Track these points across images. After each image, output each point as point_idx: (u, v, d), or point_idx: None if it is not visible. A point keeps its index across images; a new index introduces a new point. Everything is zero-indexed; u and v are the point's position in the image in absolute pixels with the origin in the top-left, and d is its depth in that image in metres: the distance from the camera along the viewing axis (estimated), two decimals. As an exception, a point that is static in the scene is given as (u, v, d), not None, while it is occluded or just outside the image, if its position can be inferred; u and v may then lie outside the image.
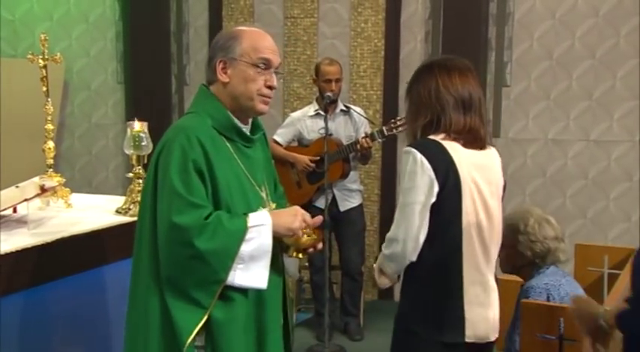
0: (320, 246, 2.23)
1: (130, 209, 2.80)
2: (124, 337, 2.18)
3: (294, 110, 4.87)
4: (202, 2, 5.67)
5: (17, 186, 2.51)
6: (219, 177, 2.06)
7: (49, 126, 2.96)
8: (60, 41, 5.80)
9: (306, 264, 4.71)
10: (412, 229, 2.14)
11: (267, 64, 2.12)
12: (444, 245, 2.15)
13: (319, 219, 2.17)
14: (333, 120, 4.40)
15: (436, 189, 2.12)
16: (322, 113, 4.43)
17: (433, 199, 2.13)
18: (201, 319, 2.01)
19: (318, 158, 4.36)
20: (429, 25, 5.09)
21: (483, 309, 2.21)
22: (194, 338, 2.02)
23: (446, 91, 2.20)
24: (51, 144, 2.97)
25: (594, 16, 4.68)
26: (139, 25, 5.70)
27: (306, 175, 4.48)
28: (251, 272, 2.02)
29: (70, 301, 2.51)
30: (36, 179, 2.68)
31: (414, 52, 5.17)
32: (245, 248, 2.00)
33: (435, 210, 2.14)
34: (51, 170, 2.98)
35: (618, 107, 4.65)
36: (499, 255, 2.75)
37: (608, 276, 3.30)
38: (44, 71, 2.88)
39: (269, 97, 2.15)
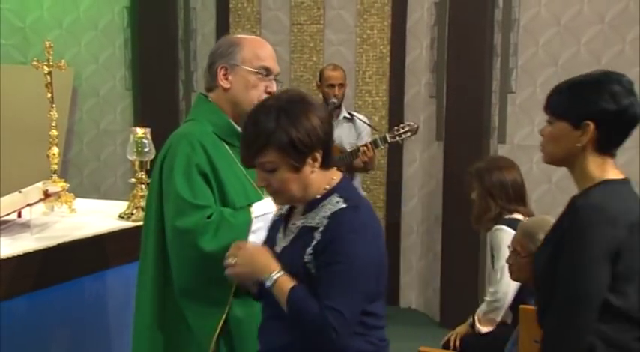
0: None
1: (132, 214, 2.83)
2: (132, 343, 2.21)
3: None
4: (209, 10, 5.72)
5: (20, 192, 2.54)
6: (223, 179, 2.10)
7: (54, 132, 3.00)
8: (69, 48, 5.86)
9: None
10: None
11: (267, 72, 2.17)
12: None
13: None
14: (337, 127, 4.41)
15: None
16: (326, 119, 4.46)
17: None
18: (221, 318, 2.04)
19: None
20: (435, 32, 5.10)
21: None
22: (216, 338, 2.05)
23: None
24: (55, 149, 3.01)
25: (599, 23, 4.68)
26: (147, 32, 5.75)
27: (310, 181, 4.49)
28: None
29: (72, 305, 2.54)
30: (39, 184, 2.71)
31: (419, 58, 5.18)
32: (254, 239, 2.02)
33: None
34: (55, 175, 3.02)
35: (624, 113, 4.64)
36: (508, 262, 2.76)
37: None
38: (49, 78, 2.92)
39: None
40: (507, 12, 4.88)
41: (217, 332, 2.05)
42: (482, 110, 4.81)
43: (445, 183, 4.95)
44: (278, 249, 1.88)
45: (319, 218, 1.80)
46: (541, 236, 2.69)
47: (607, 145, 1.93)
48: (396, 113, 5.21)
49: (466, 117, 4.78)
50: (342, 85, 4.47)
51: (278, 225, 1.94)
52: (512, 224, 3.06)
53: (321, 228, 1.78)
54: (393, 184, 5.30)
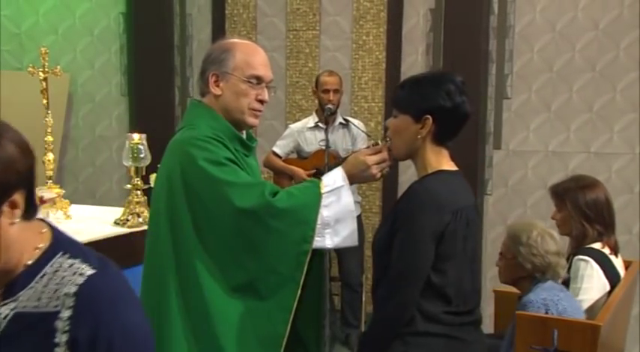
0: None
1: (127, 220, 2.83)
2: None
3: (296, 122, 4.90)
4: (205, 16, 5.72)
5: (15, 198, 2.53)
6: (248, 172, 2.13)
7: (49, 138, 3.00)
8: (65, 54, 5.86)
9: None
10: None
11: (259, 80, 2.16)
12: None
13: (381, 153, 2.19)
14: (332, 133, 4.42)
15: None
16: (321, 125, 4.47)
17: None
18: (295, 295, 2.00)
19: (315, 171, 4.38)
20: (430, 38, 5.11)
21: None
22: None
23: None
24: (50, 156, 3.01)
25: (594, 29, 4.69)
26: (143, 38, 5.75)
27: (306, 187, 4.50)
28: (340, 234, 2.08)
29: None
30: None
31: (415, 64, 5.19)
32: (326, 214, 2.03)
33: None
34: (50, 181, 3.01)
35: (618, 119, 4.65)
36: (498, 265, 2.79)
37: (606, 288, 3.28)
38: (44, 84, 2.93)
39: (259, 111, 2.19)
40: (503, 18, 4.90)
41: (294, 306, 2.01)
42: (478, 116, 4.82)
43: (441, 188, 4.94)
44: None
45: (50, 297, 1.23)
46: (524, 239, 2.73)
47: (443, 137, 2.17)
48: (391, 119, 5.21)
49: (461, 122, 4.79)
50: (337, 91, 4.48)
51: None
52: (599, 257, 2.92)
53: (65, 313, 1.21)
54: (388, 190, 5.30)
